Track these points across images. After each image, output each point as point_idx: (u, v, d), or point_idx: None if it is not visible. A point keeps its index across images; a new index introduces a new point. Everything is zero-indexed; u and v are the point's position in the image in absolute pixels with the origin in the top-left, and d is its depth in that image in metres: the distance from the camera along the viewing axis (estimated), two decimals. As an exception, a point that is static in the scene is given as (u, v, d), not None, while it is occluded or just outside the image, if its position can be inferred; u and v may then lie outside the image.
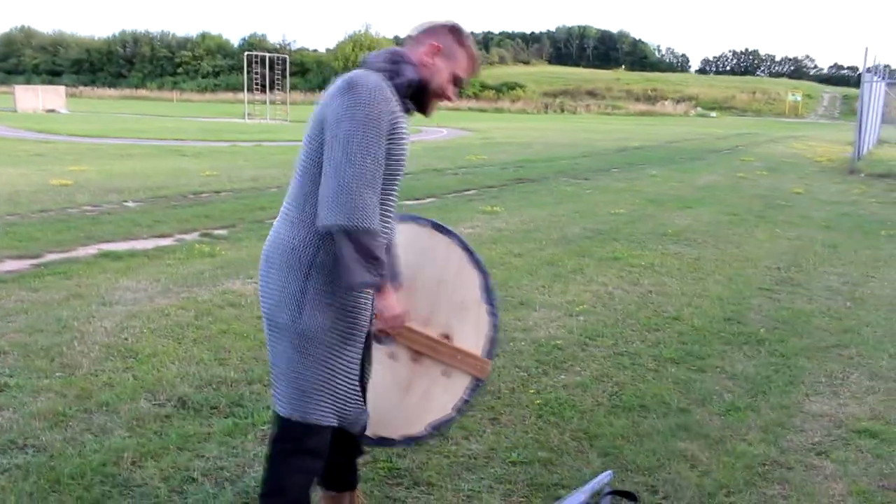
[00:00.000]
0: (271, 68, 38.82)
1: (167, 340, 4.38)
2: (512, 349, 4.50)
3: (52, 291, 5.41)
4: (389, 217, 2.26)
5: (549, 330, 4.91)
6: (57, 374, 3.87)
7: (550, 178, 14.19)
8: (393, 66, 2.21)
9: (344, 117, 2.05)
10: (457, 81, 2.28)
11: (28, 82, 63.07)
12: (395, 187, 2.24)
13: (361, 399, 2.38)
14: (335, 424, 2.30)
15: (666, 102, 69.49)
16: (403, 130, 2.17)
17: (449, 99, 2.30)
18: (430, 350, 2.64)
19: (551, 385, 4.00)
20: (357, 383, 2.33)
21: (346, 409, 2.31)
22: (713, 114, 64.83)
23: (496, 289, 2.84)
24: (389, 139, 2.12)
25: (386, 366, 2.67)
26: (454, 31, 2.28)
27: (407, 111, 2.23)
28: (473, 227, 8.44)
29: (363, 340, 2.31)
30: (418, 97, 2.25)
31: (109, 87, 75.00)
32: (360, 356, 2.32)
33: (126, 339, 4.41)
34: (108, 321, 4.73)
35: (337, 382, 2.26)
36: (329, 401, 2.26)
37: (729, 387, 4.06)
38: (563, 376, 4.14)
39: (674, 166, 17.99)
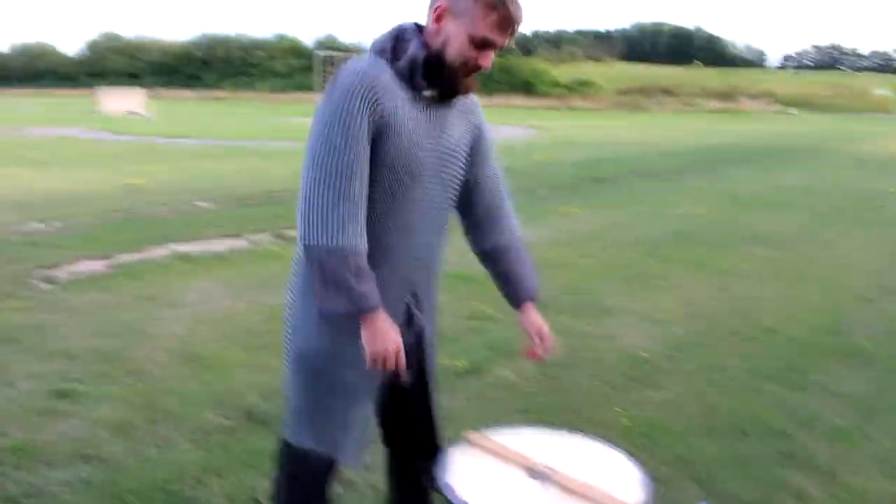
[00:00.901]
0: (324, 64, 39.06)
1: (235, 346, 4.26)
2: (594, 359, 4.23)
3: (124, 293, 5.38)
4: (411, 234, 1.87)
5: (632, 339, 4.62)
6: (125, 380, 3.79)
7: (626, 177, 13.77)
8: (396, 43, 1.79)
9: (315, 117, 1.75)
10: (483, 44, 1.72)
11: (111, 85, 65.24)
12: (413, 195, 1.82)
13: (365, 432, 2.01)
14: (327, 454, 1.96)
15: (744, 99, 67.45)
16: (402, 123, 1.75)
17: (479, 68, 1.77)
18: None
19: (638, 403, 3.72)
20: (361, 414, 1.96)
21: (341, 441, 1.95)
22: (794, 110, 62.66)
23: None
24: (380, 135, 1.73)
25: None
26: None
27: (426, 96, 1.80)
28: (549, 230, 8.15)
29: (366, 367, 1.84)
30: (438, 75, 1.77)
31: (187, 88, 77.01)
32: (367, 384, 1.93)
33: (194, 344, 4.31)
34: (177, 325, 4.65)
35: (330, 409, 1.93)
36: (320, 427, 1.94)
37: (836, 408, 3.70)
38: (650, 392, 3.85)
39: (755, 165, 17.29)
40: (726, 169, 16.05)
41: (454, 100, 1.85)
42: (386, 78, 1.74)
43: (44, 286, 5.65)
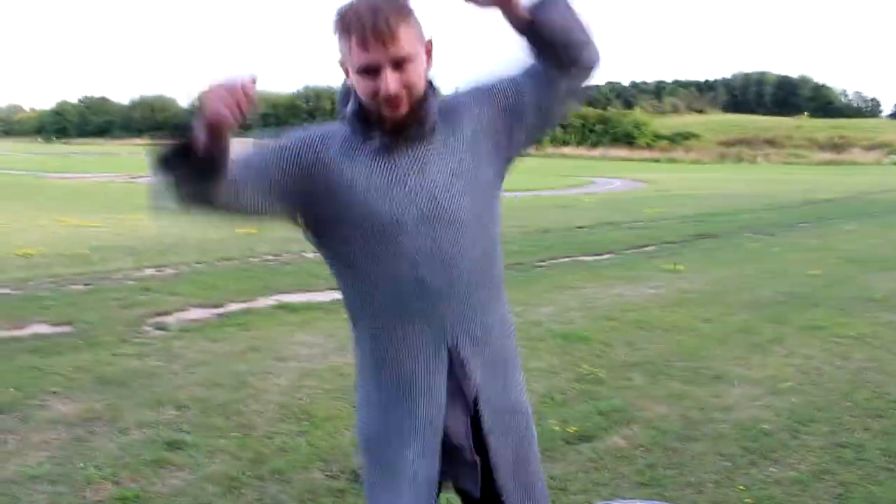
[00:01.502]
0: None
1: (342, 403, 4.24)
2: (712, 432, 3.99)
3: (232, 343, 5.48)
4: (408, 284, 1.64)
5: (752, 410, 4.36)
6: (233, 433, 3.81)
7: (733, 233, 13.32)
8: (346, 101, 1.70)
9: None
10: (366, 71, 1.57)
11: (221, 135, 68.05)
12: (399, 247, 1.62)
13: None
14: None
15: (855, 150, 64.80)
16: (354, 175, 1.63)
17: (386, 94, 1.57)
18: None
19: (762, 480, 3.47)
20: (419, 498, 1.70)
21: None
22: (910, 163, 59.76)
23: None
24: (328, 190, 1.63)
25: None
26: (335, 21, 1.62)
27: (379, 143, 1.64)
28: (656, 288, 7.91)
29: (420, 446, 1.67)
30: (370, 122, 1.65)
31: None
32: (421, 477, 1.68)
33: (301, 399, 4.32)
34: (284, 378, 4.68)
35: (380, 499, 1.74)
36: None
37: None
38: (774, 469, 3.60)
39: (871, 221, 16.44)
40: (840, 224, 15.32)
41: (409, 137, 1.64)
42: (335, 131, 1.69)
43: (155, 333, 5.83)
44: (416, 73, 1.60)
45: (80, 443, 3.68)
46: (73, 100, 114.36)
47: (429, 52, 1.67)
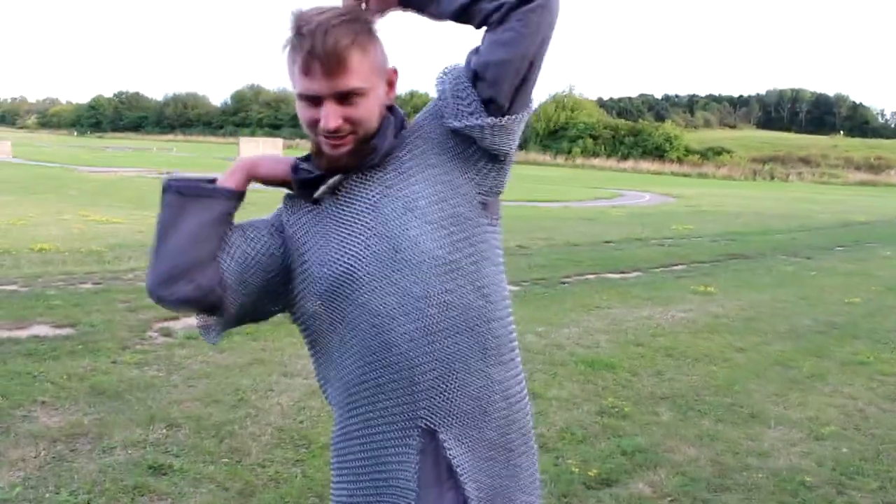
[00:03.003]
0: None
1: (343, 429, 3.93)
2: (747, 482, 3.63)
3: (237, 354, 5.21)
4: (381, 350, 1.36)
5: (790, 458, 3.98)
6: (223, 459, 3.52)
7: (767, 254, 12.85)
8: None
9: None
10: (307, 99, 1.35)
11: (252, 135, 68.63)
12: (362, 308, 1.35)
13: None
14: None
15: (892, 172, 63.57)
16: (304, 235, 1.44)
17: (315, 125, 1.35)
18: None
19: (804, 543, 3.12)
20: None
21: None
22: (948, 187, 58.44)
23: None
24: (294, 259, 1.44)
25: None
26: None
27: (318, 191, 1.43)
28: (686, 311, 7.52)
29: None
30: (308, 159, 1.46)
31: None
32: None
33: (301, 422, 4.02)
34: (286, 397, 4.39)
35: None
36: None
37: None
38: (817, 530, 3.24)
39: (911, 247, 15.88)
40: (879, 249, 14.78)
41: (352, 175, 1.39)
42: (289, 199, 1.50)
43: (160, 340, 5.57)
44: (366, 108, 1.35)
45: (60, 462, 3.40)
46: (109, 94, 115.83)
47: (391, 83, 1.42)
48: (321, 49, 1.28)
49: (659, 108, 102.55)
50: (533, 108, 1.41)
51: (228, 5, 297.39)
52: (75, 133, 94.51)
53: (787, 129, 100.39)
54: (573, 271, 9.58)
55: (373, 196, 1.39)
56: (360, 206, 1.39)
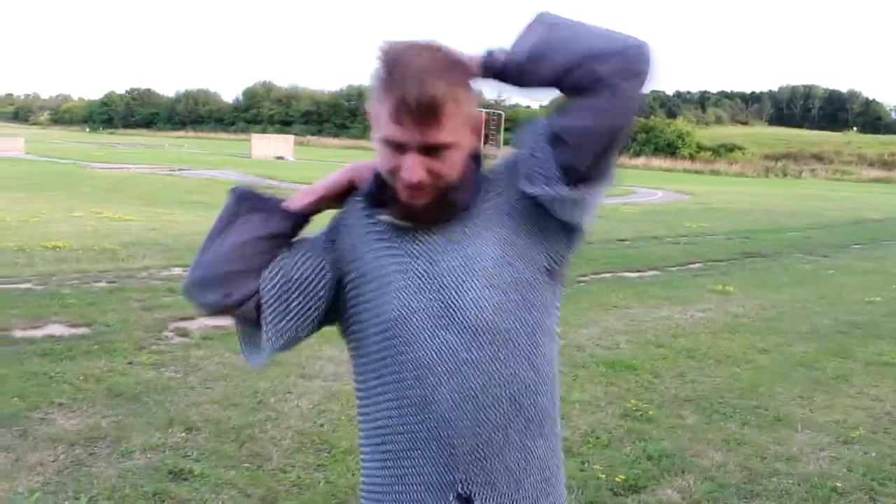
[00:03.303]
0: (486, 123, 39.37)
1: (364, 433, 3.88)
2: (777, 488, 3.56)
3: (254, 355, 5.15)
4: (421, 408, 1.28)
5: (819, 463, 3.90)
6: (244, 464, 3.47)
7: (783, 252, 12.72)
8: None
9: None
10: (392, 145, 1.26)
11: (264, 131, 68.69)
12: (407, 355, 1.29)
13: None
14: None
15: (906, 169, 63.08)
16: (368, 266, 1.35)
17: (395, 173, 1.27)
18: None
19: (839, 552, 3.04)
20: None
21: None
22: (962, 183, 57.92)
23: None
24: (350, 286, 1.37)
25: None
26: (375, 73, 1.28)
27: (389, 224, 1.34)
28: (705, 311, 7.43)
29: None
30: (382, 192, 1.35)
31: (333, 137, 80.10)
32: None
33: (322, 426, 3.96)
34: (306, 400, 4.33)
35: None
36: None
37: None
38: (851, 539, 3.16)
39: (929, 244, 15.72)
40: (894, 247, 14.64)
41: (425, 225, 1.32)
42: (350, 216, 1.41)
43: (176, 340, 5.53)
44: (450, 163, 1.27)
45: (78, 467, 3.36)
46: (121, 91, 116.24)
47: (476, 131, 1.33)
48: (415, 99, 1.20)
49: (671, 105, 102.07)
50: (611, 183, 1.33)
51: (240, 1, 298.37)
52: (87, 129, 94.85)
53: (800, 126, 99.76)
54: (588, 270, 9.48)
55: (433, 246, 1.32)
56: (418, 249, 1.32)
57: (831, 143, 76.52)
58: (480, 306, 1.28)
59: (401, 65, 1.22)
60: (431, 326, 1.28)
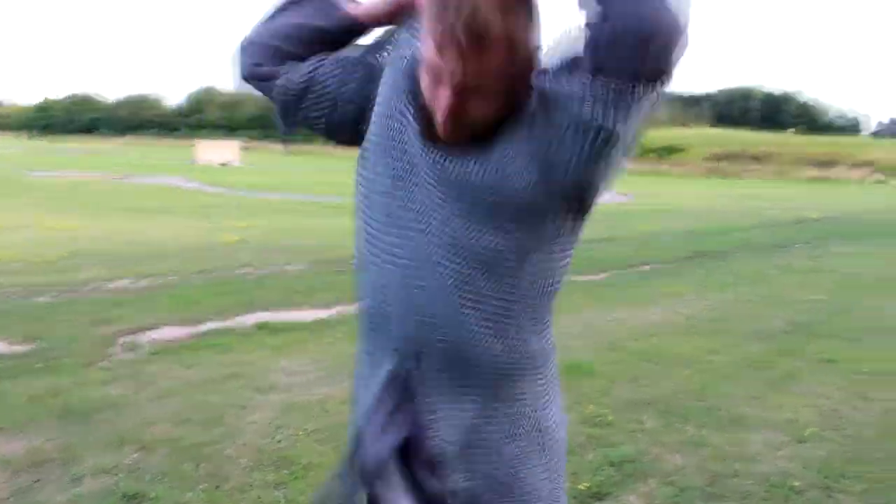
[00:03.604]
0: None
1: (326, 448, 3.80)
2: (738, 489, 3.60)
3: (208, 369, 5.04)
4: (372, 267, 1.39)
5: (778, 462, 3.96)
6: (201, 485, 3.37)
7: (729, 253, 12.97)
8: None
9: None
10: (429, 72, 1.25)
11: (208, 137, 67.64)
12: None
13: None
14: None
15: (841, 168, 65.05)
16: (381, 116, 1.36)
17: (427, 92, 1.27)
18: None
19: (799, 552, 3.09)
20: None
21: None
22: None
23: None
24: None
25: None
26: None
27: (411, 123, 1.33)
28: (657, 313, 7.53)
29: None
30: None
31: (280, 142, 79.30)
32: None
33: (280, 441, 3.88)
34: (262, 414, 4.25)
35: None
36: None
37: None
38: (810, 538, 3.22)
39: (866, 242, 16.18)
40: (836, 246, 15.03)
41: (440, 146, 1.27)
42: (403, 45, 1.38)
43: (125, 355, 5.38)
44: (490, 106, 1.20)
45: (24, 495, 3.22)
46: (59, 96, 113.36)
47: (528, 79, 1.22)
48: (464, 31, 1.12)
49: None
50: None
51: (183, 4, 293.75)
52: (25, 136, 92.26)
53: (740, 127, 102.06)
54: (542, 273, 9.53)
55: (441, 161, 1.29)
56: (421, 158, 1.30)
57: (770, 144, 78.42)
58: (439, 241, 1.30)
59: None
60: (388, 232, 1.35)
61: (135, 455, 3.65)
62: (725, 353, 6.14)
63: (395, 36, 1.38)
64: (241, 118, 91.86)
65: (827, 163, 67.86)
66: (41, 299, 7.04)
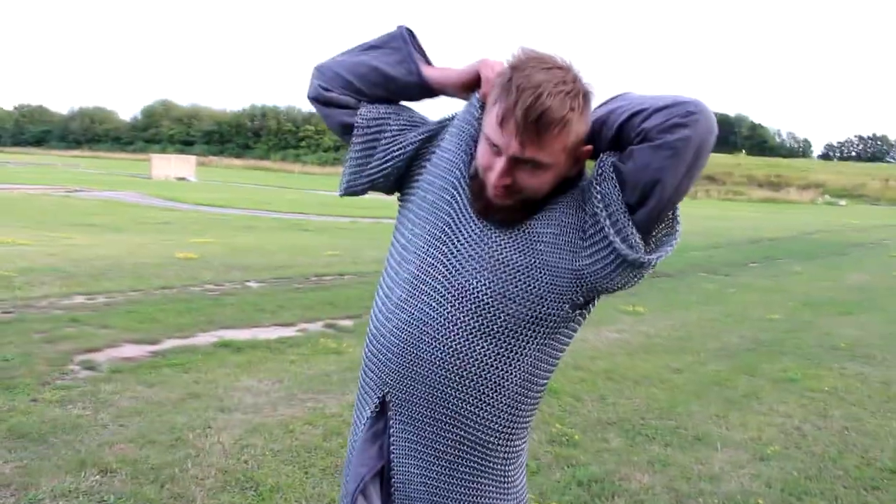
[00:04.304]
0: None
1: (292, 468, 3.75)
2: (703, 509, 3.63)
3: (169, 388, 4.94)
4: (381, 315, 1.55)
5: (741, 481, 4.01)
6: (166, 508, 3.29)
7: (687, 272, 13.16)
8: None
9: None
10: (491, 142, 1.40)
11: (164, 151, 66.73)
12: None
13: None
14: None
15: (791, 189, 66.65)
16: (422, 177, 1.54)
17: (485, 170, 1.41)
18: None
19: (766, 571, 3.12)
20: None
21: None
22: (843, 202, 61.58)
23: None
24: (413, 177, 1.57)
25: None
26: None
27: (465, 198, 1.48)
28: (619, 332, 7.60)
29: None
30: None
31: (236, 157, 78.60)
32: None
33: (245, 462, 3.81)
34: (227, 434, 4.17)
35: None
36: None
37: None
38: (776, 556, 3.25)
39: (817, 262, 16.60)
40: (789, 265, 15.38)
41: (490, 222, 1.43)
42: (465, 122, 1.50)
43: (83, 374, 5.24)
44: (539, 181, 1.35)
45: (-18, 520, 3.12)
46: (8, 107, 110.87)
47: (577, 158, 1.38)
48: (523, 110, 1.26)
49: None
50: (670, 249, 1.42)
51: (136, 16, 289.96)
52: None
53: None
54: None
55: (482, 234, 1.42)
56: (467, 229, 1.43)
57: (722, 165, 79.97)
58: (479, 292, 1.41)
59: (524, 74, 1.27)
60: (416, 291, 1.45)
61: (96, 477, 3.54)
62: (688, 371, 6.21)
63: (461, 111, 1.50)
64: (197, 133, 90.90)
65: (777, 184, 69.54)
66: (-7, 316, 6.83)
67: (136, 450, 3.88)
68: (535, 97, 1.25)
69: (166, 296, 8.08)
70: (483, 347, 1.40)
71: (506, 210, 1.38)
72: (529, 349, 1.43)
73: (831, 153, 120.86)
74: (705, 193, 62.91)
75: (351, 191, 1.59)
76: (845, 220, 37.54)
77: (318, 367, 5.61)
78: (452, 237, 1.43)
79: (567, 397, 5.25)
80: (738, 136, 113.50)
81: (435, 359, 1.41)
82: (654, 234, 1.38)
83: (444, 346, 1.40)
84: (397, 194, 1.59)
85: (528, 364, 1.45)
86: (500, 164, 1.31)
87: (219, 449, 3.96)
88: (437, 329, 1.41)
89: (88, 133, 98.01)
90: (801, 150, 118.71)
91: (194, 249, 11.71)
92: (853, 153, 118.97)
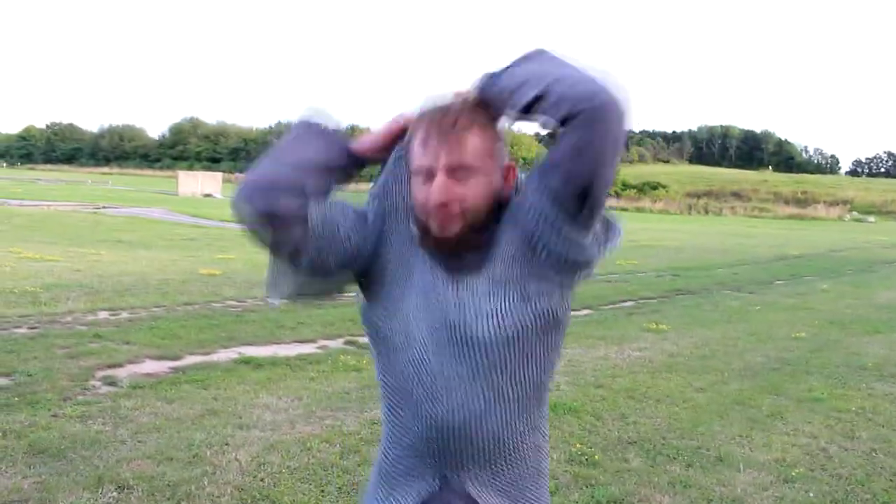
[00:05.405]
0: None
1: (309, 486, 3.74)
2: (725, 532, 3.56)
3: (188, 404, 4.95)
4: (414, 401, 1.48)
5: (764, 503, 3.93)
6: (182, 525, 3.29)
7: (712, 290, 13.04)
8: None
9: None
10: (420, 173, 1.44)
11: (191, 168, 67.51)
12: (404, 356, 1.49)
13: None
14: None
15: (818, 206, 65.94)
16: (386, 254, 1.52)
17: (425, 206, 1.42)
18: None
19: None
20: None
21: None
22: (871, 219, 60.79)
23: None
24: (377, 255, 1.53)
25: None
26: None
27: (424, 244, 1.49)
28: (641, 350, 7.52)
29: None
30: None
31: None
32: None
33: (262, 479, 3.81)
34: (244, 452, 4.16)
35: None
36: None
37: None
38: (800, 581, 3.18)
39: (844, 279, 16.36)
40: (815, 283, 15.18)
41: (453, 262, 1.43)
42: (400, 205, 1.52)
43: (104, 389, 5.28)
44: (476, 189, 1.37)
45: (-1, 536, 3.13)
46: (41, 125, 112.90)
47: (507, 178, 1.44)
48: (437, 121, 1.35)
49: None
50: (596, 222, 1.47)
51: (166, 36, 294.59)
52: (4, 165, 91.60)
53: (718, 165, 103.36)
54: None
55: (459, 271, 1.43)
56: (444, 274, 1.44)
57: (748, 182, 79.56)
58: (490, 330, 1.40)
59: (429, 108, 1.38)
60: (435, 343, 1.43)
61: (113, 493, 3.56)
62: (711, 391, 6.13)
63: (388, 168, 1.51)
64: (224, 150, 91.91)
65: (804, 201, 68.81)
66: (18, 331, 6.91)
67: (153, 466, 3.89)
68: (444, 110, 1.36)
69: (188, 312, 8.14)
70: (520, 383, 1.45)
71: (463, 245, 1.40)
72: (547, 355, 1.48)
73: (860, 169, 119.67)
74: (731, 210, 62.47)
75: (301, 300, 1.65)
76: (874, 237, 37.03)
77: (337, 385, 5.60)
78: (443, 300, 1.43)
79: (587, 416, 5.19)
80: (764, 152, 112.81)
81: (492, 427, 1.44)
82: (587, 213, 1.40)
83: (496, 414, 1.43)
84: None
85: (546, 367, 1.50)
86: (436, 182, 1.34)
87: (236, 466, 3.96)
88: (490, 405, 1.43)
89: (117, 150, 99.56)
90: (828, 167, 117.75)
91: (218, 266, 11.80)
92: (882, 169, 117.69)
